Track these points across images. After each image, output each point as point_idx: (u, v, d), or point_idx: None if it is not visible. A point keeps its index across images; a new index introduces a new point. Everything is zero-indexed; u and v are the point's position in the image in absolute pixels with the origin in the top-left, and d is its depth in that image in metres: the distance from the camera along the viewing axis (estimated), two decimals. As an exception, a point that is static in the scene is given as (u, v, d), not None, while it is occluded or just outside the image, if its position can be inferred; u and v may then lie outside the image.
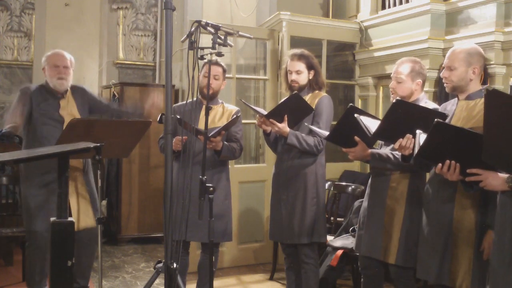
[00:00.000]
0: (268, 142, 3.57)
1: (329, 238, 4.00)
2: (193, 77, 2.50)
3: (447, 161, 2.32)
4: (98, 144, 2.57)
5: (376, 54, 4.95)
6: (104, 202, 5.74)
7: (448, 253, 2.61)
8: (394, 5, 4.83)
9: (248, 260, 4.89)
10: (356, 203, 4.15)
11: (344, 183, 4.46)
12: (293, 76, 3.43)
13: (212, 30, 2.71)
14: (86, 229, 3.57)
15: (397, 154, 2.87)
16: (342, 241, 3.95)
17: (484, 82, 3.48)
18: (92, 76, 5.98)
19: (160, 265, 2.45)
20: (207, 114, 2.83)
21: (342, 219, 4.35)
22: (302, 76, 3.43)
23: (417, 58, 3.14)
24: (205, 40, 2.82)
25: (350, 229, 4.04)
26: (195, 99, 2.73)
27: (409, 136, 2.60)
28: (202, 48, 2.65)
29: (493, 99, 1.95)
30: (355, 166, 5.20)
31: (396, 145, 2.64)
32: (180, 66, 5.63)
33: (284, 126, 3.25)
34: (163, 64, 5.75)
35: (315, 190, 3.41)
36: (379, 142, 3.15)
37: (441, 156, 2.34)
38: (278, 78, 4.81)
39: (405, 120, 2.60)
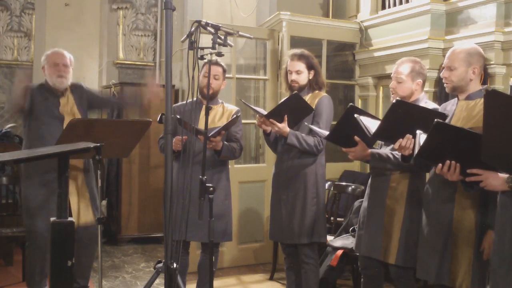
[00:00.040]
0: (268, 142, 3.57)
1: (329, 238, 4.00)
2: (193, 77, 2.51)
3: (447, 161, 2.32)
4: (98, 144, 2.57)
5: (376, 54, 4.95)
6: (104, 202, 5.74)
7: (448, 253, 2.61)
8: (394, 5, 4.83)
9: (248, 260, 4.89)
10: (356, 203, 4.15)
11: (344, 183, 4.46)
12: (293, 76, 3.43)
13: (212, 30, 2.71)
14: (86, 229, 3.57)
15: (397, 154, 2.87)
16: (342, 241, 3.95)
17: (484, 82, 3.48)
18: (92, 76, 5.98)
19: (160, 265, 2.45)
20: (207, 114, 2.83)
21: (342, 219, 4.35)
22: (302, 76, 3.43)
23: (417, 58, 3.15)
24: (205, 40, 2.82)
25: (350, 229, 4.04)
26: (195, 99, 2.73)
27: (409, 136, 2.60)
28: (202, 48, 2.65)
29: (492, 99, 1.95)
30: (355, 166, 5.20)
31: (396, 145, 2.64)
32: (180, 66, 5.63)
33: (284, 126, 3.25)
34: (163, 64, 5.75)
35: (315, 190, 3.41)
36: (379, 142, 3.15)
37: (441, 156, 2.34)
38: (278, 78, 4.81)
39: (405, 120, 2.59)
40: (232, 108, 3.59)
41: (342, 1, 5.86)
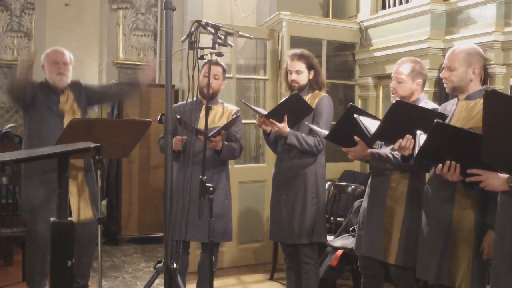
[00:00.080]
0: (268, 142, 3.57)
1: (329, 238, 4.00)
2: (193, 77, 2.51)
3: (447, 162, 2.32)
4: (98, 144, 2.58)
5: (376, 54, 4.95)
6: (104, 202, 5.74)
7: (447, 253, 2.61)
8: (394, 5, 4.83)
9: (248, 260, 4.89)
10: (356, 203, 4.15)
11: (344, 183, 4.46)
12: (293, 76, 3.43)
13: (212, 30, 2.71)
14: (84, 226, 3.57)
15: (397, 154, 2.87)
16: (342, 241, 3.95)
17: (484, 82, 3.48)
18: (92, 76, 5.98)
19: (160, 265, 2.45)
20: (207, 114, 2.83)
21: (342, 219, 4.35)
22: (302, 76, 3.43)
23: (417, 58, 3.15)
24: (205, 40, 2.82)
25: (350, 229, 4.04)
26: (195, 99, 2.73)
27: (408, 136, 2.60)
28: (202, 48, 2.65)
29: (492, 100, 1.95)
30: (355, 166, 5.20)
31: (396, 145, 2.64)
32: (180, 66, 5.63)
33: (284, 126, 3.25)
34: (163, 64, 5.75)
35: (315, 190, 3.41)
36: (379, 142, 3.15)
37: (441, 156, 2.34)
38: (278, 78, 4.81)
39: (404, 121, 2.59)
40: (232, 108, 3.59)
41: (342, 1, 5.86)
